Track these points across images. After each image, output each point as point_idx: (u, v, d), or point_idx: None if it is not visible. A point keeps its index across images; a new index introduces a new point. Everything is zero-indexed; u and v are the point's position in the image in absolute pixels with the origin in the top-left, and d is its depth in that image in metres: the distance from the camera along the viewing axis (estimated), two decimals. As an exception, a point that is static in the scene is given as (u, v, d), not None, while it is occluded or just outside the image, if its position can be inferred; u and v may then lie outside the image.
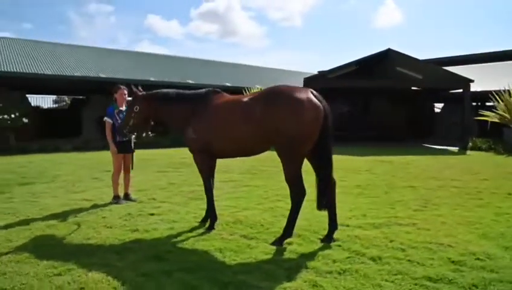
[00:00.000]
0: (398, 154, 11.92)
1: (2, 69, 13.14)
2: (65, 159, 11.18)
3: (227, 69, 24.91)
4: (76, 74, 15.23)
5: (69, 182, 7.35)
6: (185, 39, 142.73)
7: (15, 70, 13.55)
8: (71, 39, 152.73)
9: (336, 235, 3.90)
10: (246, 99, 3.96)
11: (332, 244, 3.71)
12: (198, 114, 4.18)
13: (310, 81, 16.13)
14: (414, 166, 9.30)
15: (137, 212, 5.11)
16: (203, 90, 4.39)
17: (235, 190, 6.53)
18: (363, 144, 15.61)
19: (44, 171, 8.47)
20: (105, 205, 5.51)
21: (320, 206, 3.86)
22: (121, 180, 5.84)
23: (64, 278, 3.05)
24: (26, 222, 4.61)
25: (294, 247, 3.67)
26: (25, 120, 12.57)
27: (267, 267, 3.20)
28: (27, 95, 18.70)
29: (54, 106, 31.51)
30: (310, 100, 3.61)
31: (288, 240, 3.80)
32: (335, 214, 3.89)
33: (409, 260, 3.26)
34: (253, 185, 6.96)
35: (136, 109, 4.59)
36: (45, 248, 3.75)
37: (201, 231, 4.28)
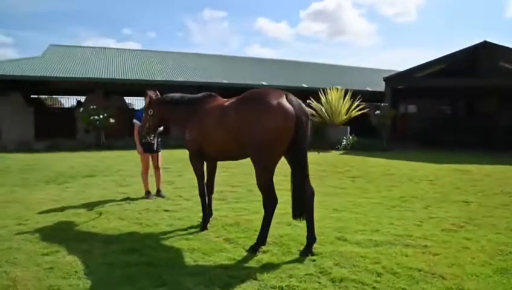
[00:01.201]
0: (485, 163, 10.25)
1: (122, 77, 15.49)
2: (136, 156, 12.45)
3: (303, 69, 24.64)
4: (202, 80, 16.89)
5: (124, 176, 8.26)
6: (293, 40, 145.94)
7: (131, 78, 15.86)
8: (188, 45, 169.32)
9: (322, 249, 3.65)
10: (227, 103, 3.98)
11: (307, 258, 3.46)
12: (192, 117, 4.33)
13: (391, 81, 14.96)
14: (492, 178, 7.89)
15: (156, 207, 5.50)
16: (200, 94, 4.54)
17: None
18: (460, 149, 13.84)
19: (112, 166, 9.65)
20: (136, 199, 6.05)
21: (294, 216, 3.65)
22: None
23: (47, 258, 3.50)
24: (61, 209, 5.37)
25: (264, 256, 3.53)
26: (112, 120, 14.57)
27: (217, 272, 3.16)
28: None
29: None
30: (279, 104, 3.43)
31: (266, 248, 3.70)
32: (312, 226, 3.63)
33: (373, 288, 2.86)
34: (285, 189, 6.80)
35: (151, 112, 4.98)
36: (54, 231, 4.34)
37: (194, 230, 4.41)
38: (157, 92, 5.53)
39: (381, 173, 8.54)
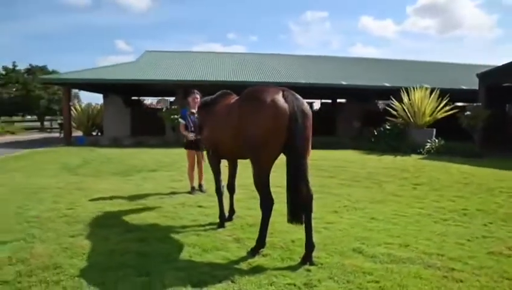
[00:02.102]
0: None
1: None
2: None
3: (388, 67, 22.85)
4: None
5: (183, 172, 8.76)
6: (399, 37, 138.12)
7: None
8: (290, 47, 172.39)
9: (327, 259, 3.38)
10: (232, 101, 3.96)
11: (304, 267, 3.22)
12: (209, 116, 4.43)
13: (486, 77, 13.01)
14: None
15: (192, 203, 5.71)
16: (217, 93, 4.60)
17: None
18: None
19: (176, 162, 10.29)
20: (180, 194, 6.38)
21: (288, 220, 3.42)
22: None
23: (69, 240, 3.93)
24: (111, 198, 5.91)
25: (260, 260, 3.41)
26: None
27: (203, 270, 3.16)
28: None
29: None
30: (273, 101, 3.28)
31: (268, 251, 3.57)
32: (310, 233, 3.36)
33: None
34: (334, 193, 6.45)
35: (195, 112, 5.34)
36: (91, 217, 4.81)
37: (211, 227, 4.46)
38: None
39: (454, 181, 7.49)
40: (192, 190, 6.49)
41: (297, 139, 3.25)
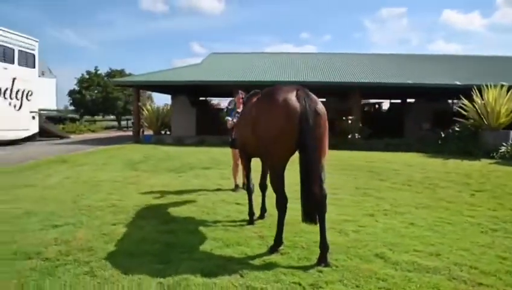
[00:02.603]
0: None
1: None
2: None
3: (466, 64, 20.86)
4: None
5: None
6: (486, 31, 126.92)
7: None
8: (364, 45, 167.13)
9: (345, 262, 3.33)
10: (254, 100, 4.05)
11: (316, 268, 3.20)
12: (240, 115, 4.60)
13: None
14: None
15: (232, 200, 5.88)
16: (250, 92, 4.73)
17: (355, 198, 6.08)
18: None
19: (231, 161, 10.64)
20: (224, 191, 6.62)
21: (302, 219, 3.40)
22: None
23: (110, 227, 4.32)
24: (159, 192, 6.33)
25: (276, 258, 3.45)
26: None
27: (218, 262, 3.30)
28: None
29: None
30: (284, 100, 3.31)
31: (288, 250, 3.61)
32: (324, 233, 3.32)
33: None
34: (378, 196, 6.19)
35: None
36: (135, 208, 5.22)
37: (241, 223, 4.60)
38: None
39: (523, 189, 6.72)
40: (236, 188, 6.71)
41: (307, 139, 3.23)
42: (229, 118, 6.76)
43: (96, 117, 39.84)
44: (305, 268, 3.22)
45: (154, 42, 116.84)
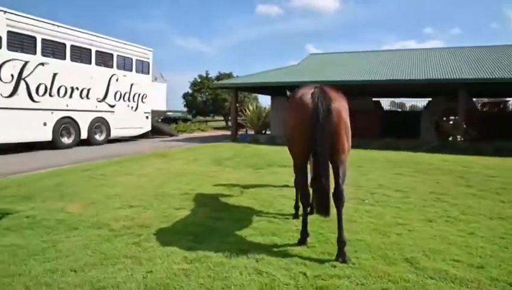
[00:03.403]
0: None
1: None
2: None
3: None
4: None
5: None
6: None
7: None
8: (506, 37, 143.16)
9: (367, 261, 3.35)
10: None
11: (332, 263, 3.30)
12: None
13: None
14: None
15: (291, 195, 5.95)
16: None
17: (425, 202, 5.75)
18: None
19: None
20: (289, 187, 6.81)
21: (315, 211, 3.58)
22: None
23: (173, 211, 5.02)
24: (230, 185, 6.92)
25: (300, 249, 3.64)
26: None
27: (243, 247, 3.63)
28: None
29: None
30: (300, 98, 3.54)
31: (313, 244, 3.78)
32: (340, 229, 3.41)
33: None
34: (451, 202, 5.69)
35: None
36: (201, 196, 5.89)
37: (288, 217, 4.84)
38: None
39: None
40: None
41: (317, 137, 3.34)
42: None
43: (207, 117, 43.61)
44: (321, 261, 3.34)
45: (270, 45, 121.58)
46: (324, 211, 3.44)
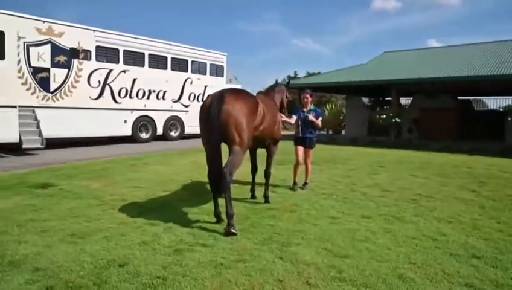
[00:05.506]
0: None
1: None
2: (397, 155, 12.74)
3: None
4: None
5: (341, 168, 9.69)
6: None
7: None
8: None
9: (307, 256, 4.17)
10: None
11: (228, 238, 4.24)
12: None
13: None
14: None
15: (286, 197, 6.47)
16: None
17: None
18: None
19: (351, 160, 11.27)
20: (285, 187, 7.42)
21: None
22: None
23: (140, 191, 6.40)
24: (247, 183, 7.93)
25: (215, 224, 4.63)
26: (397, 120, 15.51)
27: (174, 218, 4.79)
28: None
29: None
30: (205, 100, 4.72)
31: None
32: (226, 205, 4.38)
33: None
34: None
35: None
36: (181, 184, 7.16)
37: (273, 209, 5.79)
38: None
39: None
40: (293, 185, 7.16)
41: (208, 129, 4.52)
42: (294, 116, 7.66)
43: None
44: (207, 229, 4.33)
45: (386, 41, 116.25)
46: (213, 190, 4.48)
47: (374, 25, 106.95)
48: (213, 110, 4.42)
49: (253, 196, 6.19)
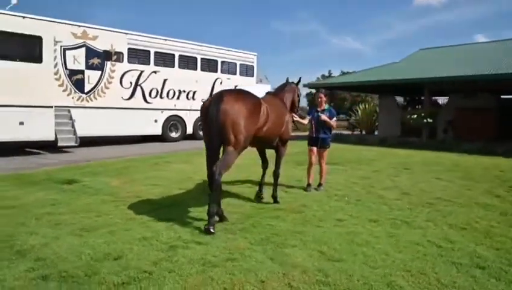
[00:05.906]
0: None
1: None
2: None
3: None
4: None
5: (358, 169, 9.53)
6: None
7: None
8: None
9: (299, 258, 4.26)
10: None
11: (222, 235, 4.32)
12: None
13: None
14: None
15: (297, 198, 6.51)
16: None
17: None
18: None
19: (375, 161, 11.03)
20: (299, 188, 7.40)
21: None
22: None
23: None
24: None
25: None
26: (429, 120, 14.89)
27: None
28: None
29: None
30: (205, 101, 4.80)
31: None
32: (209, 203, 4.49)
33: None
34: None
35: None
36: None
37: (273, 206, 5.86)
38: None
39: None
40: (307, 187, 7.10)
41: (207, 128, 4.65)
42: (308, 116, 7.63)
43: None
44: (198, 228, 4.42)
45: (430, 37, 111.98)
46: (209, 187, 4.58)
47: (417, 21, 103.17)
48: (211, 110, 4.51)
49: (259, 196, 6.17)
